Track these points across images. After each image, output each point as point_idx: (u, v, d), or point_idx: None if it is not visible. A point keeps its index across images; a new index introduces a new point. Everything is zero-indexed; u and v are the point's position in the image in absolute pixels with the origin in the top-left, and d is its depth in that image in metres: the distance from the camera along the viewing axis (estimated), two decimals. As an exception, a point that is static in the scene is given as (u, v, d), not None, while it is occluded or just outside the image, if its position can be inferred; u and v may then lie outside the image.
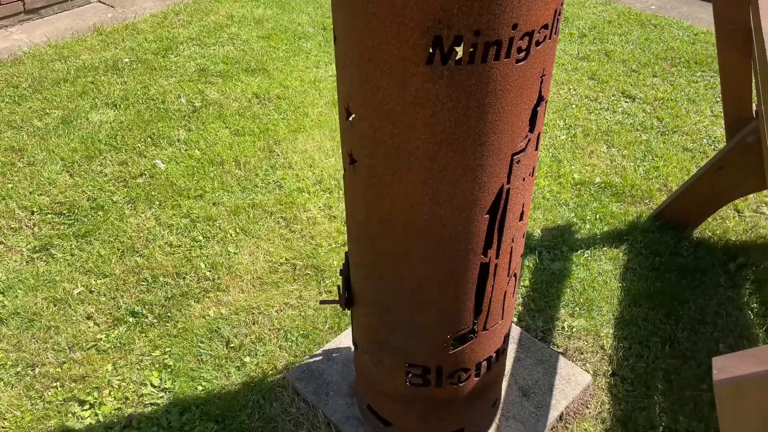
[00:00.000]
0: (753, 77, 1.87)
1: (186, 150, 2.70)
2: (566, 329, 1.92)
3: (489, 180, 1.06)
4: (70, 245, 2.22)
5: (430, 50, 0.90)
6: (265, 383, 1.75)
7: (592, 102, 3.04)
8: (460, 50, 0.90)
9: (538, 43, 0.95)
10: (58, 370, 1.80)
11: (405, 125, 0.99)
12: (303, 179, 2.53)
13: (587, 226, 2.31)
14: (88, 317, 1.96)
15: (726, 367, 0.72)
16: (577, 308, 1.99)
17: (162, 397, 1.73)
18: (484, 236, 1.14)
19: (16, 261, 2.17)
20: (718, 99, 3.06)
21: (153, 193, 2.46)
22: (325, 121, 2.89)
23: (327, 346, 1.84)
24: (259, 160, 2.64)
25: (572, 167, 2.60)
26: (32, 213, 2.38)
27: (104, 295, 2.03)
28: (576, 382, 1.74)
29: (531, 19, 0.91)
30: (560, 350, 1.86)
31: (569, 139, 2.78)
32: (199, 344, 1.87)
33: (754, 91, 1.90)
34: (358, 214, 1.19)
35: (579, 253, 2.19)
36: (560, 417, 1.66)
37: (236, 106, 3.01)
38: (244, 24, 3.80)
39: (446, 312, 1.24)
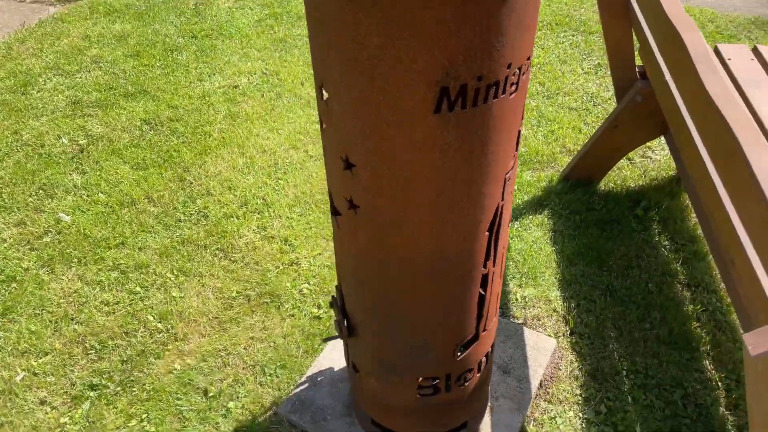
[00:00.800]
0: (635, 40, 2.08)
1: (88, 196, 2.51)
2: (520, 300, 2.07)
3: (489, 203, 1.13)
4: (-9, 328, 2.02)
5: (437, 100, 0.94)
6: (257, 424, 1.74)
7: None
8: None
9: (523, 74, 1.02)
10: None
11: (411, 169, 1.02)
12: (226, 204, 2.46)
13: (510, 198, 2.47)
14: (42, 402, 1.81)
15: (758, 342, 0.86)
16: (524, 278, 2.14)
17: (154, 466, 1.66)
18: (484, 252, 1.21)
19: (-69, 360, 1.93)
20: (584, 56, 3.35)
21: (67, 250, 2.27)
22: (229, 138, 2.80)
23: (309, 372, 1.85)
24: (172, 192, 2.52)
25: (480, 143, 2.74)
26: (-69, 301, 2.12)
27: (52, 375, 1.88)
28: (545, 349, 1.89)
29: (520, 56, 0.97)
30: (521, 322, 2.01)
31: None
32: (177, 401, 1.80)
33: (637, 54, 2.12)
34: (359, 254, 1.21)
35: (510, 226, 2.35)
36: (540, 384, 1.81)
37: (127, 137, 2.82)
38: (104, 43, 3.53)
39: (454, 327, 1.31)
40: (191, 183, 2.57)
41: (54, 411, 1.79)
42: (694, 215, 2.35)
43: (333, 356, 1.89)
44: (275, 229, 2.34)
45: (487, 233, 1.18)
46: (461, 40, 0.87)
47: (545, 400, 1.78)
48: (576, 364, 1.87)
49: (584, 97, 3.02)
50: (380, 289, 1.24)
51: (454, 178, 1.04)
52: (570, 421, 1.73)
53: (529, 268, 2.17)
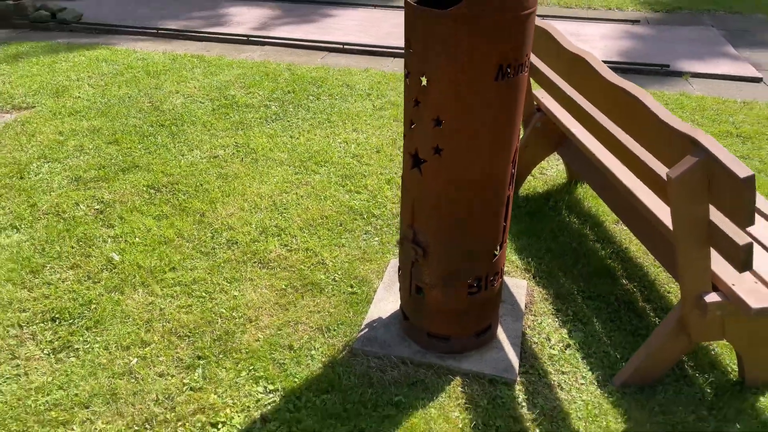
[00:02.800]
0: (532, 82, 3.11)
1: (126, 241, 2.97)
2: (492, 265, 2.87)
3: (513, 146, 1.96)
4: (85, 338, 2.41)
5: (496, 73, 1.78)
6: (339, 359, 2.32)
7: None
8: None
9: (528, 60, 1.90)
10: (169, 412, 2.09)
11: (479, 120, 1.84)
12: (248, 233, 3.05)
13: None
14: (161, 375, 2.25)
15: (676, 170, 1.74)
16: (490, 252, 2.96)
17: (273, 397, 2.17)
18: (509, 179, 2.03)
19: (40, 364, 2.28)
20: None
21: (128, 278, 2.72)
22: (228, 191, 3.41)
23: (364, 323, 2.48)
24: (199, 230, 3.06)
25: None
26: (21, 327, 2.46)
27: (160, 356, 2.32)
28: (521, 286, 2.70)
29: (528, 50, 1.85)
30: (498, 276, 2.80)
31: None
32: (271, 356, 2.33)
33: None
34: (441, 186, 1.97)
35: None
36: (525, 306, 2.60)
37: (138, 199, 3.33)
38: (81, 136, 4.00)
39: (495, 234, 2.09)
40: (211, 224, 3.13)
41: (174, 378, 2.24)
42: (586, 202, 3.36)
43: (379, 310, 2.54)
44: (296, 244, 2.97)
45: (510, 165, 2.01)
46: (510, 40, 1.74)
47: (531, 314, 2.57)
48: (543, 292, 2.69)
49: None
50: (455, 209, 1.99)
51: (502, 125, 1.87)
52: (550, 324, 2.52)
53: (492, 245, 2.99)
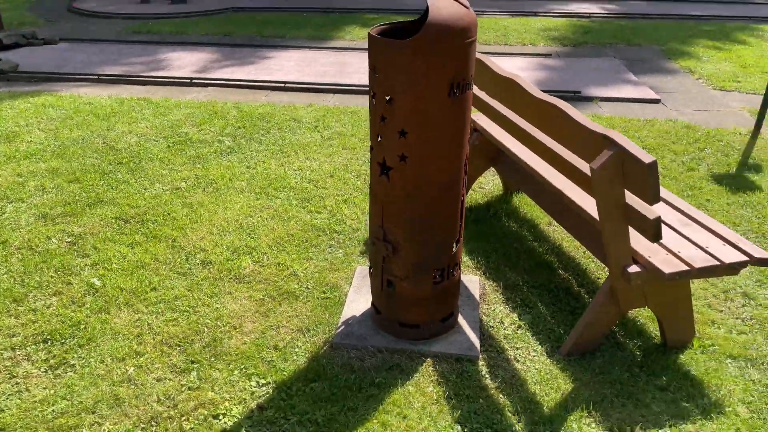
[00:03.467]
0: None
1: (104, 267, 3.14)
2: (446, 266, 3.22)
3: (465, 150, 2.34)
4: (79, 355, 2.57)
5: (449, 90, 2.15)
6: (322, 353, 2.58)
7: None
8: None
9: (472, 79, 2.29)
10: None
11: (437, 130, 2.20)
12: (221, 253, 3.27)
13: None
14: (158, 380, 2.44)
15: (597, 162, 2.15)
16: (443, 256, 3.31)
17: (266, 389, 2.41)
18: (462, 181, 2.40)
19: (39, 380, 2.43)
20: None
21: (112, 300, 2.89)
22: (195, 218, 3.62)
23: (340, 321, 2.76)
24: (173, 254, 3.26)
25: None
26: (14, 350, 2.59)
27: (155, 363, 2.51)
28: (474, 281, 3.05)
29: (472, 72, 2.25)
30: (452, 275, 3.15)
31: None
32: (259, 355, 2.56)
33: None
34: (406, 189, 2.31)
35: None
36: (479, 297, 2.95)
37: (108, 230, 3.49)
38: (40, 177, 4.12)
39: (453, 230, 2.44)
40: (184, 247, 3.34)
41: (171, 381, 2.44)
42: (522, 209, 3.79)
43: (352, 310, 2.82)
44: (268, 260, 3.23)
45: (463, 169, 2.38)
46: (458, 64, 2.12)
47: (485, 303, 2.92)
48: (493, 285, 3.06)
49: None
50: (419, 208, 2.33)
51: (455, 134, 2.24)
52: (502, 310, 2.88)
53: (444, 250, 3.35)
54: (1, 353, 2.57)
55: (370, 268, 2.64)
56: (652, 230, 2.18)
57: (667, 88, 6.24)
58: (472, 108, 3.65)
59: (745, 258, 2.38)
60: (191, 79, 6.33)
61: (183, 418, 2.27)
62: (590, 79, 6.51)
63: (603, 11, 10.02)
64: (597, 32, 8.58)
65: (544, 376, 2.49)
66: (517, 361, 2.57)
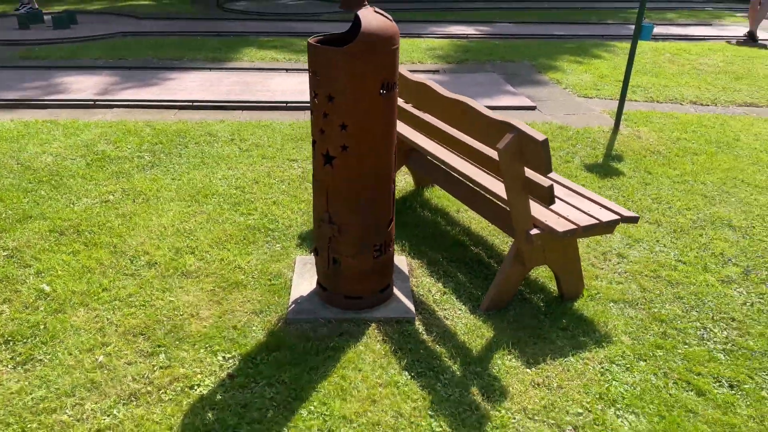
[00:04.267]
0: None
1: (50, 275, 3.24)
2: (374, 251, 3.64)
3: (394, 141, 2.78)
4: (45, 351, 2.71)
5: (380, 89, 2.59)
6: (278, 329, 2.90)
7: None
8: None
9: (397, 82, 2.74)
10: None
11: (372, 123, 2.62)
12: (164, 254, 3.48)
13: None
14: (129, 363, 2.64)
15: (503, 142, 2.65)
16: (370, 243, 3.72)
17: (233, 361, 2.68)
18: (393, 165, 2.83)
19: (10, 376, 2.55)
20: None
21: (67, 302, 3.03)
22: (132, 226, 3.78)
23: (290, 300, 3.08)
24: (117, 258, 3.43)
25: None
26: (-23, 352, 2.68)
27: (124, 350, 2.71)
28: (402, 260, 3.49)
29: (397, 74, 2.69)
30: (381, 258, 3.57)
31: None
32: (221, 335, 2.83)
33: (386, 120, 4.05)
34: (349, 175, 2.70)
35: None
36: (408, 272, 3.39)
37: (45, 243, 3.57)
38: (-45, 198, 4.07)
39: (388, 210, 2.86)
40: (126, 252, 3.51)
41: (142, 364, 2.65)
42: (433, 201, 4.29)
43: (299, 291, 3.15)
44: (211, 257, 3.48)
45: (393, 158, 2.81)
46: (387, 66, 2.57)
47: (414, 277, 3.36)
48: (419, 263, 3.51)
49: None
50: (360, 191, 2.73)
51: (386, 127, 2.68)
52: (428, 281, 3.33)
53: (371, 238, 3.76)
54: (-37, 357, 2.65)
55: (315, 250, 3.00)
56: (548, 196, 2.72)
57: (540, 97, 7.09)
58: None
59: (617, 217, 2.99)
60: (94, 101, 6.35)
61: (160, 392, 2.50)
62: (475, 91, 7.24)
63: (478, 32, 11.00)
64: (476, 51, 9.45)
65: (470, 328, 2.96)
66: (447, 319, 3.03)
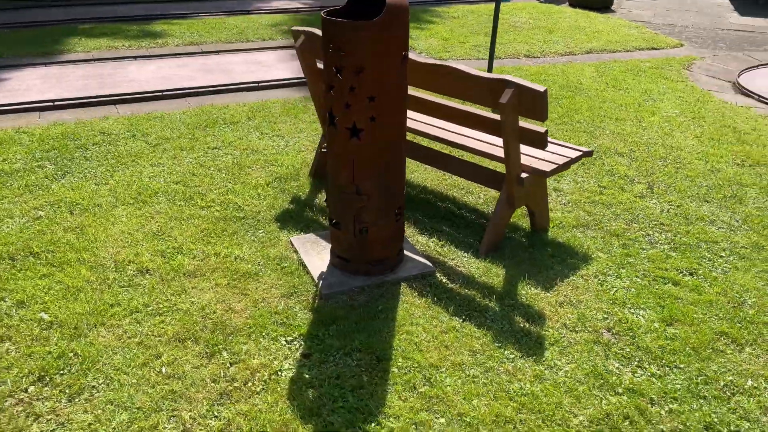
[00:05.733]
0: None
1: (36, 302, 2.90)
2: (355, 221, 3.77)
3: (407, 107, 2.95)
4: (92, 378, 2.49)
5: (402, 59, 2.74)
6: (318, 305, 2.95)
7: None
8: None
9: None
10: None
11: (396, 93, 2.77)
12: (153, 260, 3.27)
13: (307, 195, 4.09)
14: (195, 367, 2.54)
15: (501, 92, 2.97)
16: (346, 214, 3.85)
17: (296, 343, 2.71)
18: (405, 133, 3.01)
19: (66, 408, 2.33)
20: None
21: (77, 326, 2.75)
22: (95, 237, 3.45)
23: (315, 277, 3.13)
24: (104, 273, 3.15)
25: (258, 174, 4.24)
26: (12, 396, 2.37)
27: (175, 361, 2.59)
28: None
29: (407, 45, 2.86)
30: (365, 225, 3.72)
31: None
32: (271, 322, 2.82)
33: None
34: (377, 145, 2.82)
35: (314, 202, 3.99)
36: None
37: (2, 271, 3.15)
38: None
39: (403, 176, 3.04)
40: (105, 264, 3.22)
41: (210, 365, 2.57)
42: (415, 174, 4.49)
43: (316, 269, 3.20)
44: (204, 254, 3.34)
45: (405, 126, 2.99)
46: (405, 38, 2.72)
47: (409, 238, 3.58)
48: (414, 229, 3.73)
49: (314, 135, 4.83)
50: (387, 159, 2.87)
51: (404, 95, 2.84)
52: (423, 239, 3.58)
53: (344, 209, 3.88)
54: (7, 399, 2.33)
55: (335, 224, 3.08)
56: (544, 141, 3.12)
57: (405, 63, 7.52)
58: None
59: (580, 153, 3.51)
60: (-70, 112, 5.38)
61: (248, 385, 2.47)
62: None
63: (305, 5, 11.09)
64: (318, 23, 9.58)
65: (483, 270, 3.29)
66: (460, 267, 3.32)
